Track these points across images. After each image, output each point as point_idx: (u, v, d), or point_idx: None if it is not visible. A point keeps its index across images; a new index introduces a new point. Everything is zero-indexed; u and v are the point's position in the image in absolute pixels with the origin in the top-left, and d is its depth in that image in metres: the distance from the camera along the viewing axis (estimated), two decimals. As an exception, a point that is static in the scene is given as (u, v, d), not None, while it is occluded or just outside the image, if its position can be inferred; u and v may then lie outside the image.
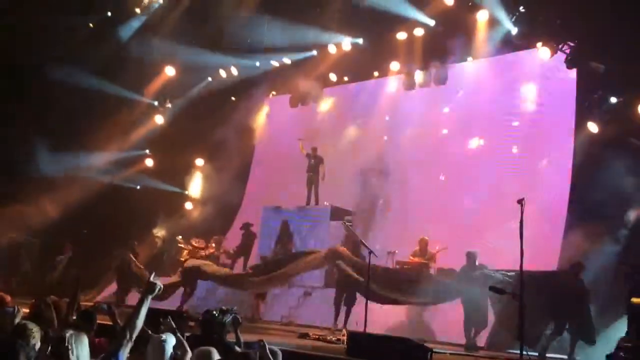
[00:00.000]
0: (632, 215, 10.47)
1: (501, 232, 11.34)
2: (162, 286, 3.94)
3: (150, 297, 3.81)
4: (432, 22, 13.74)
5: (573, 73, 12.59)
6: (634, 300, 7.22)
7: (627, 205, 10.55)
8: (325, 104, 16.87)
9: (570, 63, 12.19)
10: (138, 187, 18.34)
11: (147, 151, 18.35)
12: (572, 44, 12.00)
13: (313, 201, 14.88)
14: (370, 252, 9.16)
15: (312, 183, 14.65)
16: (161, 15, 15.96)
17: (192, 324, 7.58)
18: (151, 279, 3.84)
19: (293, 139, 16.62)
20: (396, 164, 15.37)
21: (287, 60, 16.38)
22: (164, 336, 4.52)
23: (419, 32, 14.08)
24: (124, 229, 16.12)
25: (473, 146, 14.27)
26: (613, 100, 11.45)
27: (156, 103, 18.01)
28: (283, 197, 16.68)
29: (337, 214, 13.92)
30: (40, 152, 15.30)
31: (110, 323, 5.93)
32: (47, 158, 15.32)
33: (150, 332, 4.79)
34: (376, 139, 15.86)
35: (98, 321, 5.45)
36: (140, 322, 3.74)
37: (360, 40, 14.99)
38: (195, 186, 18.40)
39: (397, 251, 12.24)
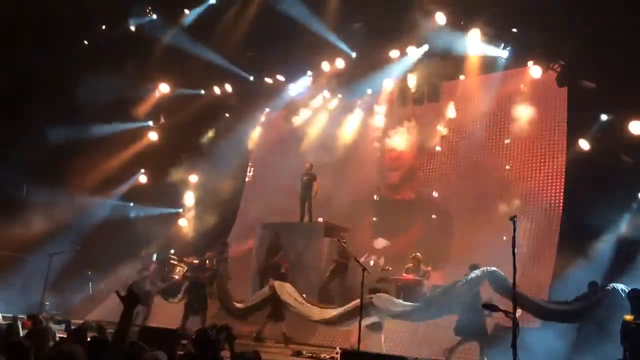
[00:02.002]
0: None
1: (494, 249, 11.37)
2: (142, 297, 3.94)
3: (134, 309, 3.80)
4: (425, 41, 13.88)
5: (564, 91, 12.74)
6: (627, 317, 7.23)
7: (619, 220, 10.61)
8: (319, 120, 16.93)
9: (561, 81, 12.34)
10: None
11: (142, 171, 18.30)
12: (562, 63, 12.15)
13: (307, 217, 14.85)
14: (364, 269, 9.14)
15: (305, 199, 14.65)
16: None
17: (184, 342, 7.54)
18: (133, 290, 3.83)
19: (287, 155, 16.71)
20: (390, 180, 15.45)
21: (280, 77, 16.47)
22: (157, 354, 4.49)
23: (411, 50, 14.22)
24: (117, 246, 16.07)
25: (465, 163, 14.34)
26: (604, 118, 11.57)
27: (150, 123, 17.99)
28: (277, 213, 16.68)
29: (332, 230, 13.90)
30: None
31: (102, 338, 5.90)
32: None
33: (145, 348, 4.76)
34: (370, 154, 15.95)
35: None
36: (128, 334, 3.73)
37: (353, 56, 15.11)
38: (189, 203, 18.36)
39: (390, 268, 12.21)
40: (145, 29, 15.78)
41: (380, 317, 10.29)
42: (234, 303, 12.33)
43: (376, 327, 10.47)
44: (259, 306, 11.92)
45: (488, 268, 9.38)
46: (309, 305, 11.20)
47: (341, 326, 10.71)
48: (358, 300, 9.65)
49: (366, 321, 9.81)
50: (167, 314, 13.24)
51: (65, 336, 5.86)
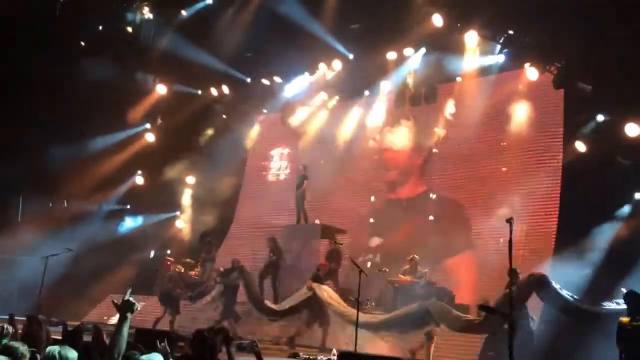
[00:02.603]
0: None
1: (490, 251, 11.42)
2: (138, 305, 3.91)
3: (130, 316, 3.78)
4: (422, 42, 13.89)
5: (561, 93, 12.77)
6: (622, 319, 7.24)
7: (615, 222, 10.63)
8: (316, 122, 16.92)
9: (557, 83, 12.37)
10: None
11: (139, 172, 18.27)
12: (559, 65, 12.18)
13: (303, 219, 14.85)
14: (361, 271, 9.14)
15: (298, 201, 14.65)
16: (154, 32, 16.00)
17: (181, 344, 7.51)
18: (127, 296, 3.80)
19: (283, 157, 16.75)
20: (387, 181, 15.46)
21: (278, 79, 16.47)
22: (152, 356, 4.48)
23: (409, 51, 14.24)
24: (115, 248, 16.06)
25: (462, 165, 14.36)
26: (600, 119, 11.59)
27: (148, 125, 17.96)
28: (275, 214, 16.70)
29: (328, 232, 13.90)
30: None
31: (97, 343, 5.88)
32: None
33: (140, 352, 4.75)
34: (368, 155, 15.97)
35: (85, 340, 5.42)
36: (124, 341, 3.71)
37: (351, 58, 15.12)
38: (186, 204, 18.33)
39: (387, 270, 12.21)
40: (142, 29, 15.73)
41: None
42: (267, 304, 12.03)
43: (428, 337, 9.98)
44: (296, 309, 11.40)
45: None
46: (352, 309, 10.31)
47: (391, 332, 10.18)
48: (412, 306, 9.63)
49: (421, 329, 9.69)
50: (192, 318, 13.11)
51: (60, 338, 5.84)
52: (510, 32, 12.24)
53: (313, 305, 11.07)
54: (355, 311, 9.52)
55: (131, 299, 3.78)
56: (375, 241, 14.65)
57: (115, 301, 3.83)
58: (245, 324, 12.44)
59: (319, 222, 14.73)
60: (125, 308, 3.73)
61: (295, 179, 15.47)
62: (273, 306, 11.91)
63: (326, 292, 11.12)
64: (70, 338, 5.33)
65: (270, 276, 13.40)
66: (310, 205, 15.01)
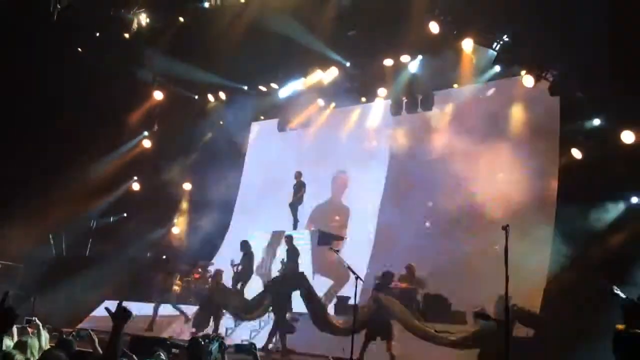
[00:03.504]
0: None
1: (486, 258, 11.38)
2: (134, 314, 3.89)
3: (124, 324, 3.76)
4: (418, 49, 13.94)
5: (556, 100, 12.81)
6: (618, 326, 7.20)
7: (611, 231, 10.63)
8: (313, 128, 16.95)
9: (553, 91, 12.41)
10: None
11: (135, 178, 18.23)
12: (555, 72, 12.21)
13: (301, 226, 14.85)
14: (357, 277, 9.10)
15: (294, 207, 14.63)
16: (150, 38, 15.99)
17: (175, 351, 7.47)
18: (123, 304, 3.78)
19: (280, 164, 16.72)
20: (384, 188, 15.47)
21: (274, 85, 16.48)
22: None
23: (405, 58, 14.28)
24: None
25: (458, 171, 14.36)
26: (596, 127, 11.62)
27: (146, 133, 17.94)
28: (271, 220, 16.67)
29: (325, 238, 13.88)
30: None
31: (90, 350, 5.84)
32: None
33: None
34: (364, 163, 15.98)
35: (78, 348, 5.39)
36: (119, 349, 3.69)
37: (348, 65, 15.14)
38: (183, 210, 18.30)
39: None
40: (138, 35, 15.74)
41: None
42: (330, 318, 10.94)
43: None
44: (363, 324, 10.20)
45: None
46: (427, 324, 10.02)
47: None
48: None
49: None
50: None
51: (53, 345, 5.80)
52: (506, 39, 12.27)
53: (378, 318, 10.23)
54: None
55: (126, 307, 3.76)
56: (371, 248, 14.61)
57: (110, 309, 3.81)
58: (300, 338, 11.25)
59: (315, 229, 14.71)
60: (120, 316, 3.71)
61: (291, 185, 15.44)
62: (337, 322, 10.76)
63: (397, 305, 10.28)
64: (64, 345, 5.29)
65: (241, 282, 13.04)
66: (306, 211, 15.00)
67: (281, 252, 14.06)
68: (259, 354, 5.38)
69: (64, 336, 6.15)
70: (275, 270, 13.67)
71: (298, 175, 14.86)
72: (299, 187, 14.67)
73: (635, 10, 9.87)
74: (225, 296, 12.16)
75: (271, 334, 10.84)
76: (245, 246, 13.61)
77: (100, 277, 14.89)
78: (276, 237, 15.22)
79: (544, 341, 9.35)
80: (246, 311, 11.77)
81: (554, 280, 11.07)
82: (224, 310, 12.13)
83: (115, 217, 17.85)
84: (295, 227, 14.70)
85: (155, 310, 13.33)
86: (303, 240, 14.35)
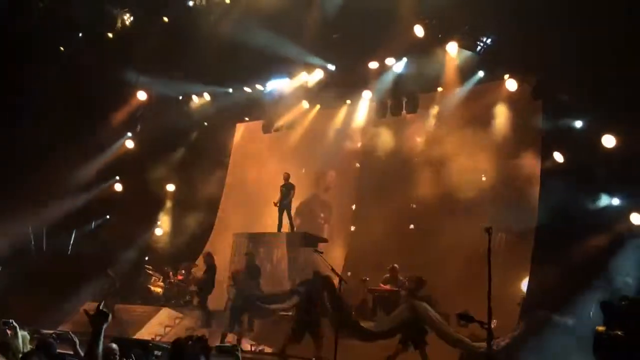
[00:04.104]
0: None
1: (469, 260, 11.46)
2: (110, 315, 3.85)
3: (104, 326, 3.72)
4: (403, 52, 14.00)
5: (539, 104, 12.95)
6: (599, 328, 7.30)
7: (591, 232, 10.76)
8: (298, 130, 16.94)
9: (536, 94, 12.55)
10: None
11: (117, 178, 18.07)
12: (537, 76, 12.35)
13: (287, 228, 14.79)
14: (341, 279, 9.13)
15: (283, 209, 14.60)
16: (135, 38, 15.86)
17: (158, 353, 7.42)
18: (101, 307, 3.74)
19: (265, 165, 16.69)
20: (369, 190, 15.51)
21: (260, 87, 16.45)
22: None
23: (390, 61, 14.33)
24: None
25: (442, 173, 14.45)
26: (577, 130, 11.77)
27: (129, 134, 17.79)
28: (255, 223, 16.64)
29: (309, 240, 13.87)
30: None
31: (71, 352, 5.78)
32: None
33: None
34: (349, 164, 16.02)
35: (58, 350, 5.33)
36: (100, 351, 3.65)
37: (333, 67, 15.17)
38: (166, 212, 18.17)
39: (368, 278, 12.22)
40: (122, 35, 15.61)
41: None
42: (360, 323, 10.59)
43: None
44: (396, 330, 10.17)
45: None
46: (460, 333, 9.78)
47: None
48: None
49: None
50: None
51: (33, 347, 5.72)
52: (490, 42, 12.38)
53: (414, 325, 10.01)
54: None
55: (104, 309, 3.72)
56: (355, 250, 14.64)
57: (88, 312, 3.77)
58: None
59: (299, 231, 14.70)
60: (99, 319, 3.67)
61: (276, 186, 15.42)
62: (367, 325, 10.49)
63: (431, 312, 10.06)
64: (44, 347, 5.23)
65: (202, 293, 12.77)
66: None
67: (265, 252, 14.07)
68: (240, 354, 5.34)
69: (45, 338, 6.08)
70: (263, 271, 13.65)
71: (286, 177, 14.79)
72: (288, 190, 14.59)
73: (616, 14, 10.02)
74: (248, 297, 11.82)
75: (291, 340, 10.24)
76: (208, 259, 13.63)
77: (82, 278, 14.72)
78: (259, 238, 15.19)
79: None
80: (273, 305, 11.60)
81: (535, 281, 11.21)
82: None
83: (97, 221, 17.67)
84: (279, 228, 14.64)
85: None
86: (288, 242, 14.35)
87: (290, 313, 11.38)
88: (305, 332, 10.22)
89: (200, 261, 15.52)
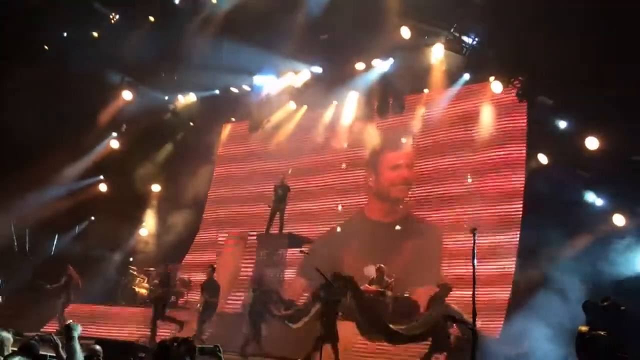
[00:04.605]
0: None
1: (454, 261, 11.54)
2: (80, 327, 3.83)
3: (76, 334, 3.69)
4: (390, 54, 14.05)
5: (524, 106, 13.07)
6: (581, 328, 7.36)
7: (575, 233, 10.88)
8: (284, 131, 16.92)
9: (521, 96, 12.66)
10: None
11: (102, 177, 17.91)
12: (522, 78, 12.46)
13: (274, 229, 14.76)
14: (327, 280, 9.13)
15: (276, 211, 14.56)
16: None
17: (142, 354, 7.38)
18: (68, 323, 3.73)
19: (251, 165, 16.65)
20: (354, 190, 15.54)
21: (246, 87, 16.41)
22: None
23: (377, 62, 14.38)
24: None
25: (428, 175, 14.53)
26: (562, 132, 11.90)
27: (114, 134, 17.64)
28: (241, 223, 16.61)
29: (295, 241, 13.86)
30: None
31: (54, 354, 5.72)
32: None
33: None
34: (335, 165, 16.04)
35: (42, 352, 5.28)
36: (79, 355, 3.63)
37: (319, 68, 15.18)
38: (151, 213, 18.04)
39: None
40: (108, 34, 15.48)
41: None
42: (391, 325, 10.00)
43: None
44: (427, 334, 9.72)
45: None
46: None
47: None
48: None
49: None
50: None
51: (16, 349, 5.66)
52: (475, 44, 12.46)
53: (441, 329, 9.60)
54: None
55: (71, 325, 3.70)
56: (341, 250, 14.65)
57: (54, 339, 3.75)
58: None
59: (285, 232, 14.67)
60: (68, 333, 3.64)
61: (263, 188, 15.40)
62: (398, 328, 9.89)
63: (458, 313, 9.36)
64: (27, 349, 5.17)
65: (156, 311, 12.19)
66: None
67: (251, 253, 14.04)
68: (222, 355, 5.31)
69: (28, 340, 6.01)
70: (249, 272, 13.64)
71: (283, 178, 14.71)
72: (282, 192, 14.52)
73: (600, 17, 10.13)
74: (267, 303, 11.34)
75: (315, 349, 9.54)
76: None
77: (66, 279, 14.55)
78: (246, 239, 15.15)
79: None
80: (293, 319, 10.85)
81: (521, 280, 11.31)
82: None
83: (81, 222, 17.51)
84: (268, 230, 14.57)
85: None
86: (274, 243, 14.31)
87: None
88: (328, 339, 9.63)
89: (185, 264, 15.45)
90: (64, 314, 12.98)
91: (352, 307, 9.94)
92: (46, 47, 15.93)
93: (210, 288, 12.00)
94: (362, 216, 15.30)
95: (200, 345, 5.15)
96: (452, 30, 12.44)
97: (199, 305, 11.97)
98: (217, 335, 11.85)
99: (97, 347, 5.92)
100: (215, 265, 12.96)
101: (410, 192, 14.68)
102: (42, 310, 14.23)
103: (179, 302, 14.54)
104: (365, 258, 13.13)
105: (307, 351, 9.50)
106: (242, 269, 15.06)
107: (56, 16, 15.12)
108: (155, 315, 12.09)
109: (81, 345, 4.05)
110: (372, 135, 15.35)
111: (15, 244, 16.14)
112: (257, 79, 15.91)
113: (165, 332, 11.60)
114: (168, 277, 13.08)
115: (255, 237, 15.17)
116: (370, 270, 12.36)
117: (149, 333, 11.86)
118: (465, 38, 12.51)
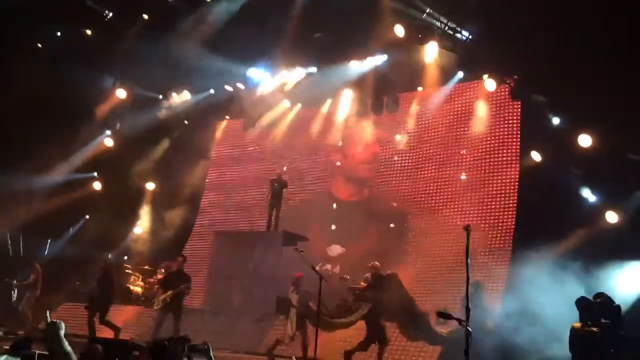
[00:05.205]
0: None
1: (448, 259, 11.56)
2: (62, 324, 3.81)
3: (62, 332, 3.68)
4: (384, 52, 14.06)
5: (517, 104, 13.12)
6: (575, 324, 7.43)
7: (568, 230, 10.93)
8: (278, 129, 16.92)
9: (514, 95, 12.70)
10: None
11: (95, 174, 17.86)
12: (516, 77, 12.51)
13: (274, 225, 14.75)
14: (322, 277, 9.12)
15: (273, 208, 14.55)
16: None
17: (136, 353, 7.36)
18: (48, 320, 3.72)
19: (246, 163, 16.63)
20: (349, 189, 15.57)
21: (240, 85, 16.38)
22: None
23: (371, 61, 14.38)
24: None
25: (422, 172, 14.56)
26: (555, 130, 11.95)
27: (108, 132, 17.58)
28: (236, 220, 16.62)
29: (290, 239, 13.84)
30: None
31: (46, 353, 5.71)
32: None
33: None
34: (329, 163, 16.05)
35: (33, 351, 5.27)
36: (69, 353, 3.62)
37: (314, 66, 15.17)
38: (146, 210, 18.01)
39: (348, 276, 12.23)
40: (103, 32, 15.42)
41: None
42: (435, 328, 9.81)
43: None
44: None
45: None
46: None
47: None
48: None
49: None
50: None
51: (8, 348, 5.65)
52: (470, 44, 12.50)
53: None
54: None
55: (53, 319, 3.69)
56: (332, 248, 14.67)
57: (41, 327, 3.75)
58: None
59: (280, 229, 14.66)
60: (51, 331, 3.63)
61: (257, 184, 15.38)
62: (443, 331, 9.64)
63: None
64: (18, 347, 5.18)
65: (98, 312, 11.52)
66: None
67: (246, 251, 14.02)
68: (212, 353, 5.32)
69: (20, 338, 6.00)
70: (243, 270, 13.63)
71: (278, 175, 14.65)
72: (278, 187, 14.47)
73: (593, 15, 10.18)
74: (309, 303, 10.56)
75: (364, 345, 9.49)
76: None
77: (58, 279, 14.53)
78: (241, 236, 15.14)
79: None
80: (339, 316, 10.49)
81: (513, 279, 11.34)
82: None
83: (76, 221, 17.45)
84: (269, 227, 14.53)
85: None
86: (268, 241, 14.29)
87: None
88: (378, 340, 9.53)
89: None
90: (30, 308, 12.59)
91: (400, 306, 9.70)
92: (39, 45, 15.84)
93: (181, 279, 11.13)
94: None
95: (190, 344, 5.16)
96: (446, 28, 12.46)
97: (164, 297, 11.00)
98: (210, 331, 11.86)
99: (99, 347, 5.86)
100: (185, 255, 12.47)
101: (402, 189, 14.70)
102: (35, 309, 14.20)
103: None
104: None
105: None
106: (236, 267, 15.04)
107: (50, 14, 15.05)
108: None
109: (73, 343, 4.05)
110: (367, 132, 15.40)
111: (10, 247, 16.08)
112: (252, 72, 15.80)
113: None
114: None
115: (250, 235, 15.17)
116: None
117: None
118: (459, 36, 12.54)
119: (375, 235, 14.28)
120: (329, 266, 14.06)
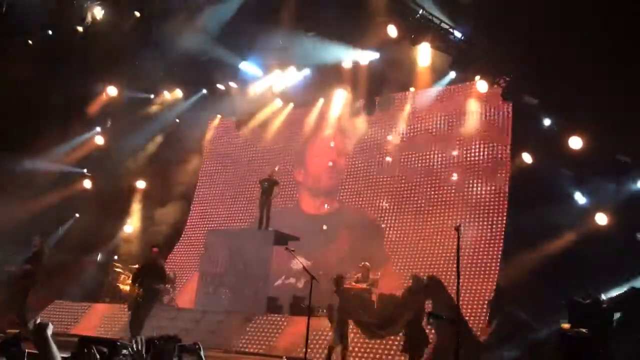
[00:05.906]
0: None
1: (439, 258, 11.59)
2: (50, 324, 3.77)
3: (49, 333, 3.65)
4: (376, 52, 14.07)
5: (509, 106, 13.17)
6: (563, 325, 7.47)
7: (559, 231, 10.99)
8: (271, 128, 16.90)
9: (506, 96, 12.75)
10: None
11: (85, 171, 17.74)
12: (508, 78, 12.56)
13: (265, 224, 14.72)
14: (312, 277, 9.11)
15: (264, 206, 14.52)
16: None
17: (125, 352, 7.29)
18: (38, 321, 3.68)
19: (238, 161, 16.57)
20: (340, 188, 15.57)
21: (233, 84, 16.34)
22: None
23: (364, 61, 14.38)
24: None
25: (414, 172, 14.58)
26: (546, 132, 12.01)
27: (98, 129, 17.47)
28: (227, 219, 16.58)
29: (281, 239, 13.82)
30: None
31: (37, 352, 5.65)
32: None
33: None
34: (321, 164, 16.05)
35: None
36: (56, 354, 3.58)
37: (307, 71, 15.17)
38: (136, 209, 17.92)
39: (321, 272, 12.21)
40: (93, 30, 15.29)
41: None
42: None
43: None
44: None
45: None
46: None
47: None
48: None
49: None
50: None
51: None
52: (462, 44, 12.52)
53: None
54: None
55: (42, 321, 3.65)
56: (326, 248, 14.66)
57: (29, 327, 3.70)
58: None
59: (272, 229, 14.63)
60: (38, 332, 3.59)
61: (249, 184, 15.32)
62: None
63: None
64: (7, 346, 5.10)
65: (22, 293, 11.07)
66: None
67: (237, 249, 13.97)
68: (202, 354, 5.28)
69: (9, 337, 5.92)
70: (234, 269, 13.58)
71: (271, 172, 14.61)
72: (267, 185, 14.42)
73: (586, 17, 10.22)
74: (353, 305, 9.88)
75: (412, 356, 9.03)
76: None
77: (48, 277, 14.40)
78: (233, 234, 15.08)
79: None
80: (380, 326, 9.76)
81: (505, 279, 11.40)
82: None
83: (66, 220, 17.32)
84: (260, 225, 14.50)
85: None
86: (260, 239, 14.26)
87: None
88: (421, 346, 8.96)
89: (171, 260, 15.31)
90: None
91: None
92: (30, 42, 15.70)
93: (154, 273, 10.57)
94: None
95: (180, 344, 5.11)
96: (440, 30, 12.48)
97: (135, 296, 10.37)
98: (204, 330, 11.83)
99: (104, 349, 5.66)
100: (157, 248, 11.62)
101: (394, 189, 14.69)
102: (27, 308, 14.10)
103: (165, 300, 14.39)
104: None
105: None
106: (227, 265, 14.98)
107: (40, 10, 14.92)
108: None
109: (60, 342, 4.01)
110: (359, 130, 15.43)
111: None
112: (244, 65, 15.73)
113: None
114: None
115: (241, 233, 15.12)
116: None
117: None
118: (451, 37, 12.56)
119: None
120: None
